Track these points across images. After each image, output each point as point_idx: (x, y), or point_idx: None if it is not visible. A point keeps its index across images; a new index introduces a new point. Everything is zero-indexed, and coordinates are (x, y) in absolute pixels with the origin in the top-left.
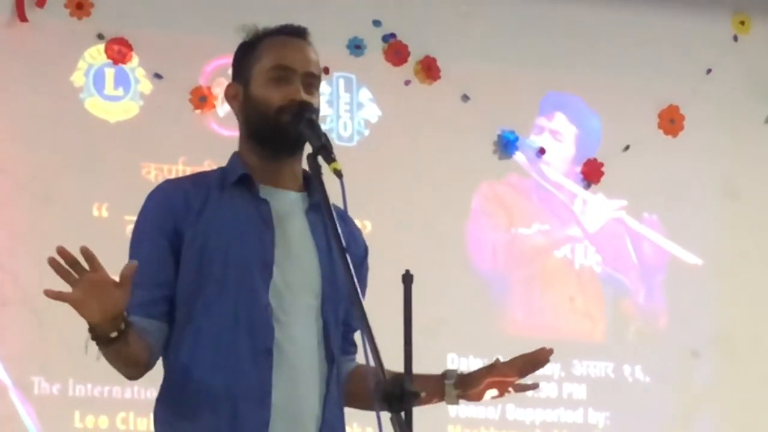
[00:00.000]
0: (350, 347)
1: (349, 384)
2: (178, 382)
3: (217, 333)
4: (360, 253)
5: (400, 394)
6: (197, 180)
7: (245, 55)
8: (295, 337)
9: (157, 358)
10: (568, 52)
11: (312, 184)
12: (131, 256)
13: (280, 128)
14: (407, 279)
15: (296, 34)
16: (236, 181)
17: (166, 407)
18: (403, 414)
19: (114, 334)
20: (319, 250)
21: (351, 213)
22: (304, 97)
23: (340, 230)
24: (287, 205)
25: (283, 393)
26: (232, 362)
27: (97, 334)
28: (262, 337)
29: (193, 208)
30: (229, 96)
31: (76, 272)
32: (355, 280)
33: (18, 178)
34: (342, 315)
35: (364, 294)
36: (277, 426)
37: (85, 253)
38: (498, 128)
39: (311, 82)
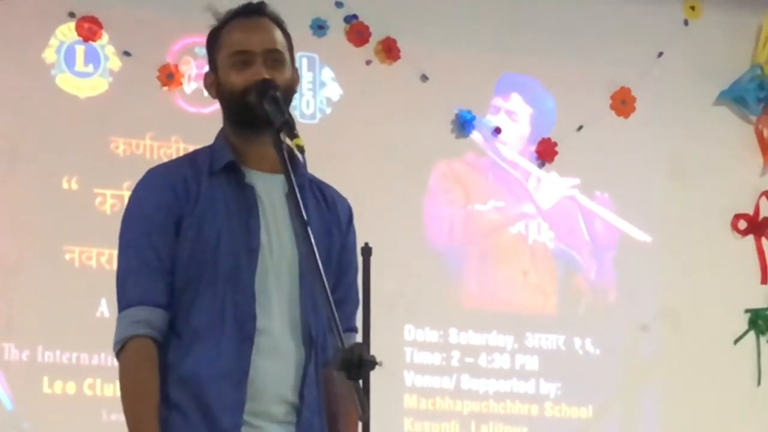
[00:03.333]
0: (346, 323)
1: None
2: (162, 365)
3: (204, 320)
4: (343, 230)
5: (358, 362)
6: (192, 164)
7: (212, 44)
8: (275, 322)
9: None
10: (524, 35)
11: (294, 165)
12: (134, 233)
13: (248, 109)
14: (366, 252)
15: (255, 11)
16: (223, 167)
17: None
18: (360, 382)
19: None
20: (297, 235)
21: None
22: (266, 75)
23: (316, 211)
24: (270, 189)
25: (260, 376)
26: (216, 349)
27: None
28: (246, 326)
29: (191, 194)
30: (207, 86)
31: None
32: (318, 259)
33: None
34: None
35: (355, 264)
36: (253, 407)
37: None
38: (455, 108)
39: (274, 57)
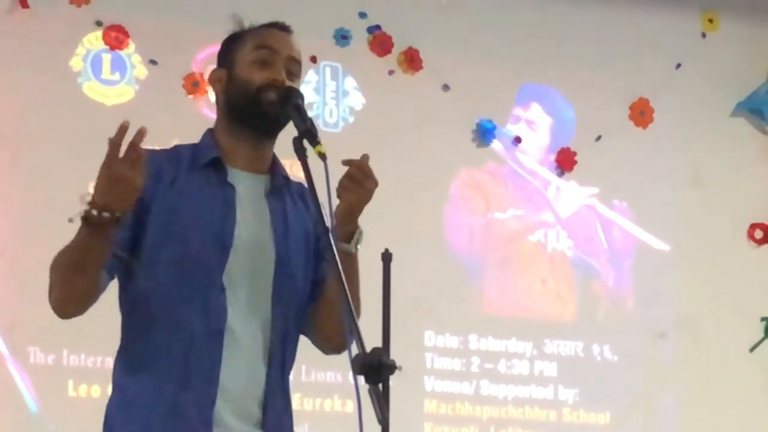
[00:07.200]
0: None
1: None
2: (135, 348)
3: (174, 312)
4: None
5: (378, 366)
6: (171, 155)
7: (231, 44)
8: (246, 319)
9: (94, 301)
10: (545, 46)
11: (277, 167)
12: None
13: (260, 107)
14: (386, 258)
15: (282, 28)
16: (207, 163)
17: (124, 369)
18: (380, 386)
19: (107, 215)
20: (275, 233)
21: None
22: (286, 80)
23: (294, 213)
24: (252, 188)
25: (231, 374)
26: (187, 339)
27: (96, 215)
28: (215, 319)
29: (163, 180)
30: (213, 80)
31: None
32: (337, 256)
33: (16, 154)
34: (300, 297)
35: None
36: (223, 405)
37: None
38: (476, 117)
39: (293, 68)
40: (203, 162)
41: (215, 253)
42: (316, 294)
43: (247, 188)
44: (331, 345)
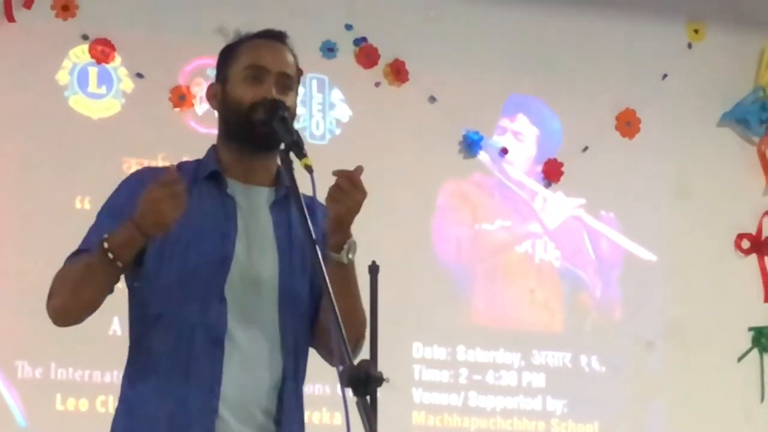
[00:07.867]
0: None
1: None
2: (140, 359)
3: (175, 321)
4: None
5: (365, 379)
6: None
7: (226, 57)
8: (250, 330)
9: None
10: (531, 57)
11: (281, 179)
12: (99, 222)
13: (251, 125)
14: (373, 270)
15: (274, 37)
16: (207, 176)
17: (129, 380)
18: (368, 398)
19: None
20: (279, 244)
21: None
22: (276, 96)
23: (299, 223)
24: (254, 201)
25: (233, 383)
26: (188, 350)
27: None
28: (215, 329)
29: None
30: (210, 95)
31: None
32: (324, 269)
33: (3, 169)
34: (305, 307)
35: None
36: (225, 414)
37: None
38: (463, 129)
39: (285, 82)
40: (203, 175)
41: (216, 264)
42: (320, 305)
43: (249, 200)
44: (334, 356)
